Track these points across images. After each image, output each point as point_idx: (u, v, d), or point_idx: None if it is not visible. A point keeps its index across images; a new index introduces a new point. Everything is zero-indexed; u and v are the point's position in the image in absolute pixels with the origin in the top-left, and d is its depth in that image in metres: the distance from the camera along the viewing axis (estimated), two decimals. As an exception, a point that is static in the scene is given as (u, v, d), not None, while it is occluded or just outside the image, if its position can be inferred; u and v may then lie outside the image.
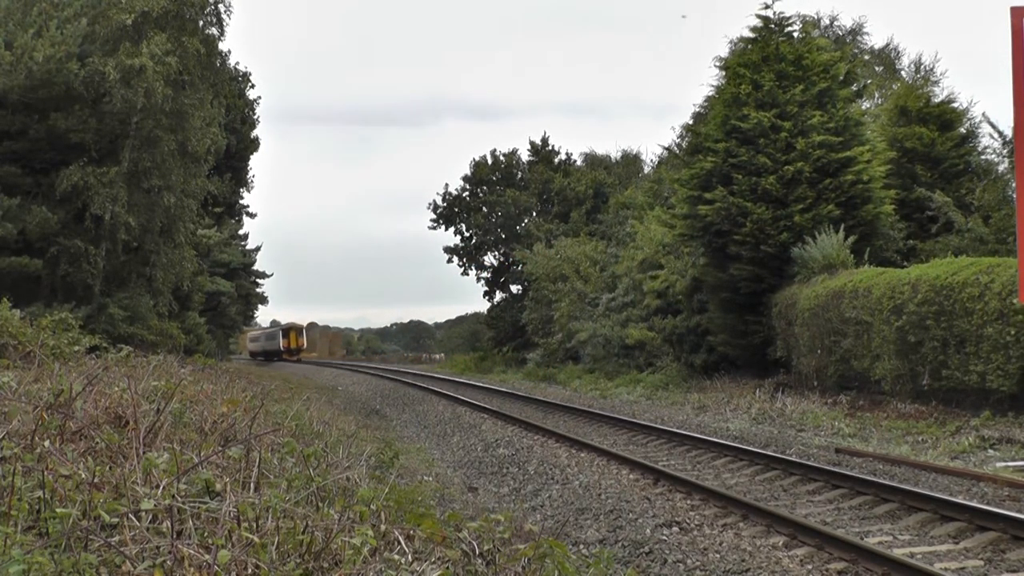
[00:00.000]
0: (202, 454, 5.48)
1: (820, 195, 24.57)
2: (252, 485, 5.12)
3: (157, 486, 4.54)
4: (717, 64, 30.62)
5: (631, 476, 13.38)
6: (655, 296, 33.11)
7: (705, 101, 34.35)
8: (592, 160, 61.34)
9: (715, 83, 29.64)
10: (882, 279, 19.97)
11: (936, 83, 36.25)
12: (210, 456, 5.39)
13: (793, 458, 13.80)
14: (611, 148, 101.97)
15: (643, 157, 59.34)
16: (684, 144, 37.74)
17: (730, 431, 18.60)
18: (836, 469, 12.61)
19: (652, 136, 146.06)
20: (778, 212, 24.71)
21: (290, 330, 78.36)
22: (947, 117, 29.03)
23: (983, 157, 29.09)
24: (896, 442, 15.93)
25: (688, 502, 11.35)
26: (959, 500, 10.14)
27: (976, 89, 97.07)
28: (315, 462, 6.47)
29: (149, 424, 6.23)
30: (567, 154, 61.83)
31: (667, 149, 45.40)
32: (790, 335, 23.80)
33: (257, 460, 5.51)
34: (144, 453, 5.30)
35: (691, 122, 38.28)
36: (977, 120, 29.77)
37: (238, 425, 7.56)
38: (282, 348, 76.44)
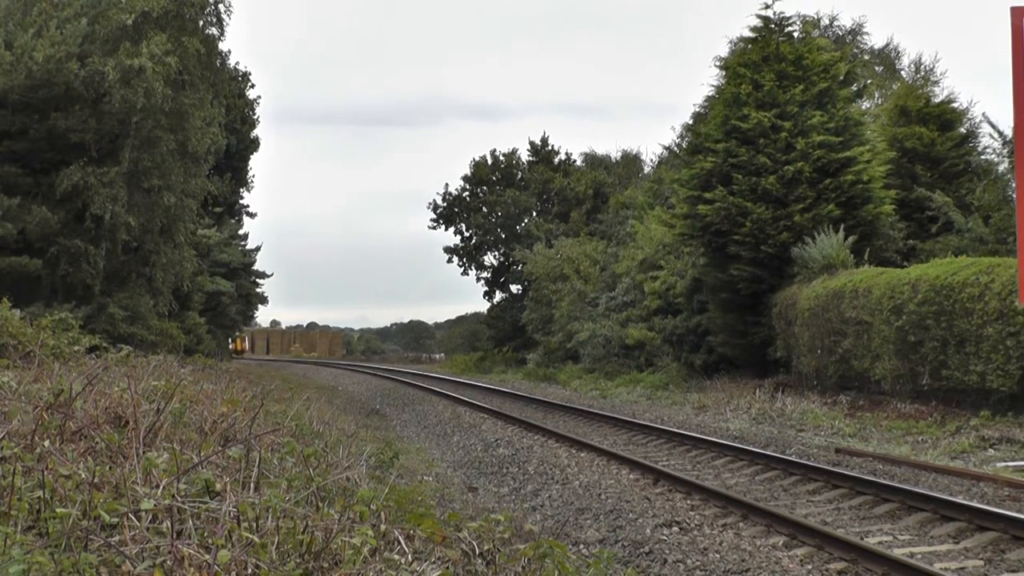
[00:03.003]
0: (202, 454, 5.48)
1: (820, 195, 24.63)
2: (252, 485, 5.12)
3: (157, 486, 4.54)
4: (717, 64, 30.73)
5: (631, 476, 13.37)
6: (655, 296, 33.17)
7: (705, 101, 34.38)
8: (592, 160, 61.39)
9: (715, 83, 29.70)
10: (882, 279, 19.97)
11: (936, 83, 36.28)
12: (210, 456, 5.39)
13: (793, 458, 13.77)
14: (611, 148, 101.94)
15: (643, 157, 59.44)
16: (684, 144, 37.71)
17: (730, 431, 18.59)
18: (836, 469, 12.59)
19: (652, 136, 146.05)
20: (778, 212, 24.76)
21: (237, 337, 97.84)
22: (947, 117, 29.04)
23: (983, 157, 29.09)
24: (896, 442, 15.95)
25: (688, 502, 11.33)
26: (959, 500, 10.13)
27: (976, 89, 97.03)
28: (315, 462, 6.46)
29: (149, 424, 6.23)
30: (567, 154, 61.91)
31: (667, 149, 45.52)
32: (790, 335, 23.78)
33: (257, 460, 5.51)
34: (144, 453, 5.30)
35: (691, 122, 38.35)
36: (977, 120, 29.84)
37: (238, 425, 7.55)
38: (231, 349, 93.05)
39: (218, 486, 4.73)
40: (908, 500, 10.48)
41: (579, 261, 44.13)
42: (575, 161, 61.63)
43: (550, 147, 61.15)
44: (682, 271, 31.20)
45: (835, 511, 10.70)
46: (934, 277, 18.00)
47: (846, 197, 24.59)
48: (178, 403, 7.81)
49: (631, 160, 59.72)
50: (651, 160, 56.57)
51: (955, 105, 29.60)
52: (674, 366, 31.29)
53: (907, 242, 26.28)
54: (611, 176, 57.43)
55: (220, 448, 5.80)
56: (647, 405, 25.88)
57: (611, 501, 11.40)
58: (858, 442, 16.37)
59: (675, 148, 42.65)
